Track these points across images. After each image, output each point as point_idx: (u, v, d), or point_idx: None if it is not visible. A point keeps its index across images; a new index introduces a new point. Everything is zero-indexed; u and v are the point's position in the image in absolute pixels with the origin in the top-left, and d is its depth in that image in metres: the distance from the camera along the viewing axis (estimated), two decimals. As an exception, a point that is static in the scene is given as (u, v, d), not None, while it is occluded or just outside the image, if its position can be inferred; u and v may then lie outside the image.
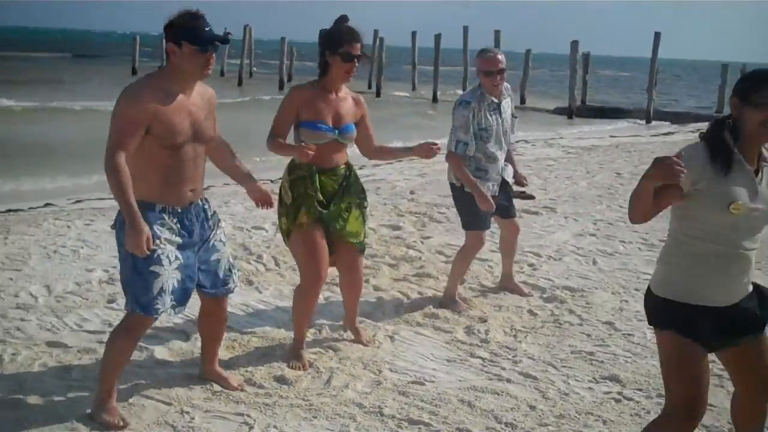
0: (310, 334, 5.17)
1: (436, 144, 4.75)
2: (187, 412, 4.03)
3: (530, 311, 5.92)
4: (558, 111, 33.98)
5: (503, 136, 5.82)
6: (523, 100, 39.07)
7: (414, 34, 39.63)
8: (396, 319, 5.63)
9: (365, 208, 4.87)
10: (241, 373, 4.54)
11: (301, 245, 4.64)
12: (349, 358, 4.86)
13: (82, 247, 7.04)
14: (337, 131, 4.58)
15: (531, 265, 7.21)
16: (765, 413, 3.26)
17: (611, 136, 22.01)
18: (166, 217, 3.77)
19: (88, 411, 3.93)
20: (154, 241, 3.64)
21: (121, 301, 4.45)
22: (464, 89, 40.70)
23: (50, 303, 5.61)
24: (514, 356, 5.02)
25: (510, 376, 4.68)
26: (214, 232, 4.01)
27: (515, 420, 4.12)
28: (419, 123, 25.13)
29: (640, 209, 2.94)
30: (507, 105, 5.88)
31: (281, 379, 4.49)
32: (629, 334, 5.47)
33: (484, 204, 5.61)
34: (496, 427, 4.04)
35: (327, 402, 4.23)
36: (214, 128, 3.98)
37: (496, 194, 5.84)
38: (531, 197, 10.60)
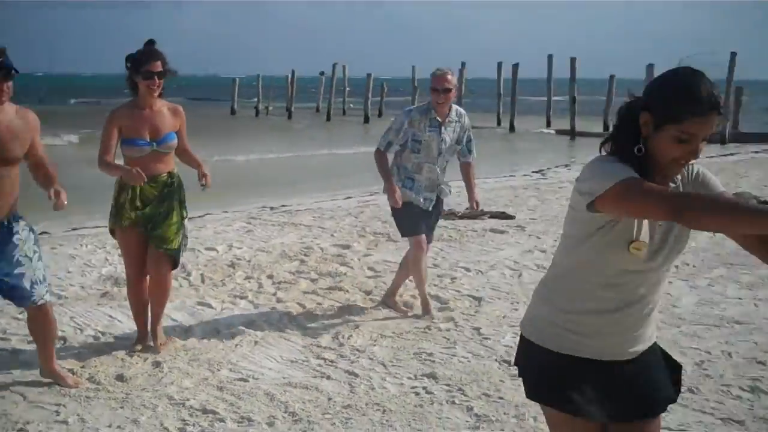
0: (180, 337, 5.66)
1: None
2: (15, 402, 4.56)
3: (416, 315, 6.24)
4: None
5: (438, 156, 6.15)
6: (606, 128, 38.43)
7: (500, 65, 39.84)
8: (274, 326, 6.01)
9: (184, 217, 5.35)
10: (89, 371, 5.03)
11: (120, 245, 5.40)
12: (198, 359, 5.29)
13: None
14: (155, 143, 5.15)
15: (453, 278, 7.46)
16: None
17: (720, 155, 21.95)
18: None
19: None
20: None
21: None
22: (548, 119, 40.71)
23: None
24: (357, 357, 5.33)
25: (333, 374, 5.00)
26: (19, 248, 4.46)
27: (302, 409, 4.45)
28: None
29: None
30: (452, 130, 6.21)
31: (120, 377, 4.96)
32: (486, 338, 5.70)
33: (390, 197, 6.05)
34: (278, 416, 4.39)
35: (145, 395, 4.67)
36: (28, 150, 4.48)
37: (428, 209, 6.22)
38: (510, 217, 10.85)
